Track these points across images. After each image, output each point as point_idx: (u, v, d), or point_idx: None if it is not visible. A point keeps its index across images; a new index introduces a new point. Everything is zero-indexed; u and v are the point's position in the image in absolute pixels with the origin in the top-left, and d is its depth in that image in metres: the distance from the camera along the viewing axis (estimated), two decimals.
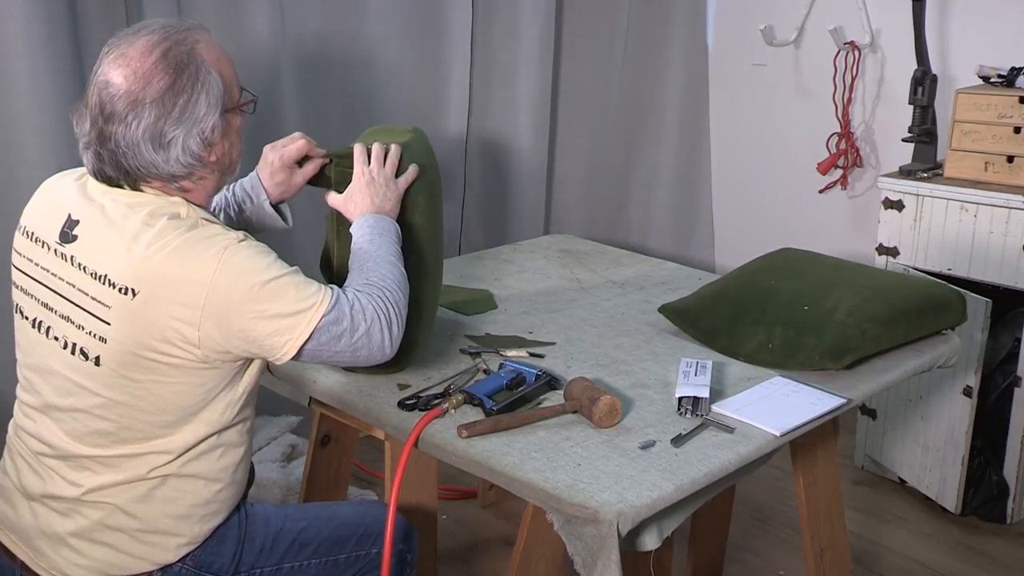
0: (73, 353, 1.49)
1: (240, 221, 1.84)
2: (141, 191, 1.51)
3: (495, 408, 1.68)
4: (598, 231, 3.81)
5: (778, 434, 1.67)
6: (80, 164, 1.58)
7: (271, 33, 2.89)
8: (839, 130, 3.48)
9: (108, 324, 1.44)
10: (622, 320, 2.18)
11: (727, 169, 3.95)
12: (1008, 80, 2.80)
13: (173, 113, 1.46)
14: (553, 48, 3.55)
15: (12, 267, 1.60)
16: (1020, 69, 2.79)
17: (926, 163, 2.95)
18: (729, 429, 1.67)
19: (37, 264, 1.54)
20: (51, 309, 1.52)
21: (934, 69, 2.99)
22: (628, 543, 1.50)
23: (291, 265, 1.51)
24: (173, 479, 1.53)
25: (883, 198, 2.94)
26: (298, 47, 2.99)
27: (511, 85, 3.48)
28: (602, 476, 1.51)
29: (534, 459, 1.56)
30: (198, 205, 1.54)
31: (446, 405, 1.70)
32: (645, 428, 1.67)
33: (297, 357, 1.49)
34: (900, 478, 3.02)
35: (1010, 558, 2.71)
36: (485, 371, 1.88)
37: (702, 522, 2.48)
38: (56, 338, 1.51)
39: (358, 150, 1.77)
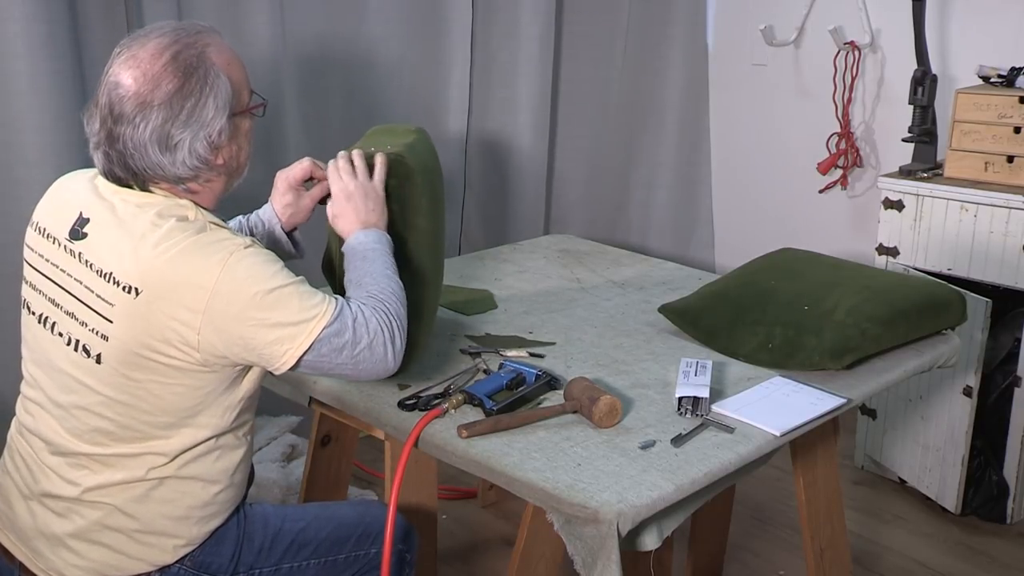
0: (76, 350, 1.49)
1: None
2: (150, 191, 1.51)
3: (495, 408, 1.68)
4: (598, 231, 3.81)
5: (778, 434, 1.67)
6: (88, 164, 1.59)
7: (271, 33, 2.89)
8: (839, 130, 3.48)
9: (111, 322, 1.45)
10: (622, 320, 2.18)
11: (727, 169, 3.95)
12: (1008, 80, 2.80)
13: (181, 116, 1.47)
14: (553, 48, 3.55)
15: (24, 262, 1.61)
16: (1020, 69, 2.79)
17: (926, 163, 2.95)
18: (729, 429, 1.67)
19: (47, 260, 1.55)
20: (57, 305, 1.52)
21: (934, 69, 2.99)
22: (628, 543, 1.50)
23: (297, 275, 1.51)
24: (171, 480, 1.53)
25: (883, 198, 2.94)
26: (298, 47, 2.99)
27: (511, 85, 3.48)
28: (602, 476, 1.51)
29: (534, 459, 1.56)
30: (206, 208, 1.55)
31: (446, 405, 1.70)
32: (645, 428, 1.67)
33: (296, 367, 1.49)
34: (900, 478, 3.02)
35: (1010, 558, 2.71)
36: (485, 371, 1.88)
37: (702, 522, 2.48)
38: (60, 334, 1.51)
39: (330, 168, 1.75)
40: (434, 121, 3.32)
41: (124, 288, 1.43)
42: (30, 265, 1.59)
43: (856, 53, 3.40)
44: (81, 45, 2.53)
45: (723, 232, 4.02)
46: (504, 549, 2.72)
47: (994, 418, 2.81)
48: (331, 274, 1.86)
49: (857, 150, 3.49)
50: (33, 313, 1.58)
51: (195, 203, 1.53)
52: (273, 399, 2.15)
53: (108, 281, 1.45)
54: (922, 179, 2.86)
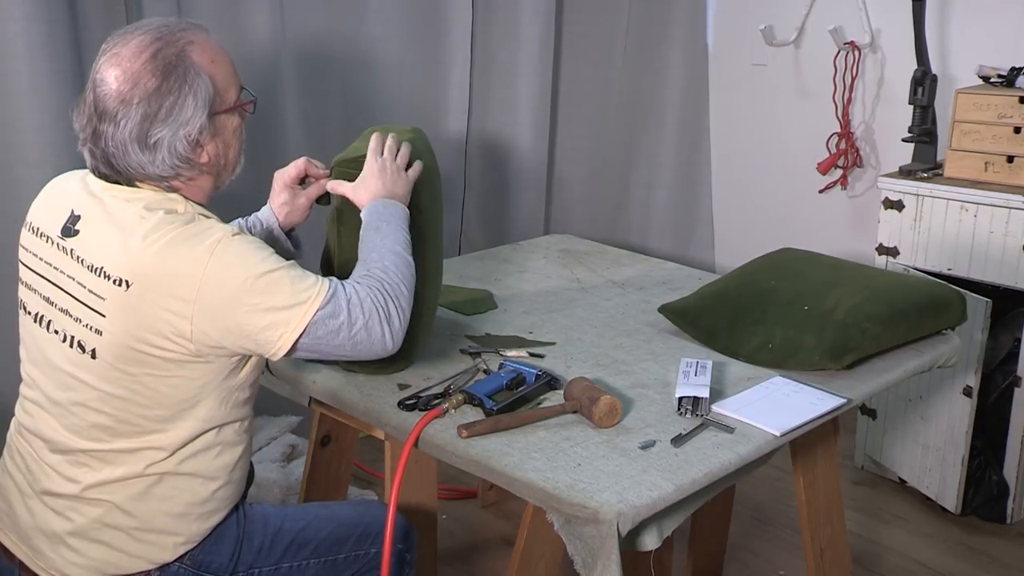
0: (71, 346, 1.49)
1: None
2: (138, 187, 1.52)
3: (495, 408, 1.68)
4: (598, 231, 3.81)
5: (778, 434, 1.67)
6: (82, 164, 1.59)
7: (271, 33, 2.89)
8: (839, 130, 3.48)
9: (104, 316, 1.45)
10: (622, 320, 2.18)
11: (727, 169, 3.95)
12: (1008, 80, 2.80)
13: (159, 115, 1.47)
14: (553, 48, 3.55)
15: (19, 263, 1.62)
16: (1020, 69, 2.79)
17: (926, 163, 2.95)
18: (729, 429, 1.67)
19: (40, 259, 1.56)
20: (52, 303, 1.53)
21: (934, 69, 2.99)
22: (628, 543, 1.50)
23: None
24: (170, 477, 1.53)
25: (883, 198, 2.94)
26: (298, 47, 2.99)
27: (511, 85, 3.48)
28: (602, 476, 1.51)
29: (534, 459, 1.56)
30: (196, 202, 1.55)
31: (446, 405, 1.70)
32: (645, 428, 1.67)
33: (293, 352, 1.49)
34: (900, 478, 3.02)
35: (1010, 558, 2.71)
36: (485, 371, 1.88)
37: (702, 522, 2.48)
38: (56, 332, 1.52)
39: (373, 140, 1.78)
40: (434, 121, 3.32)
41: (115, 282, 1.44)
42: (25, 265, 1.60)
43: (856, 53, 3.40)
44: (81, 45, 2.53)
45: (723, 232, 4.02)
46: (504, 549, 2.72)
47: (994, 418, 2.81)
48: (330, 273, 1.86)
49: (857, 150, 3.49)
50: (29, 313, 1.58)
51: (184, 196, 1.54)
52: (273, 399, 2.15)
53: (99, 276, 1.46)
54: (922, 179, 2.86)
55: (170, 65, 1.48)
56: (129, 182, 1.52)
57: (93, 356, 1.47)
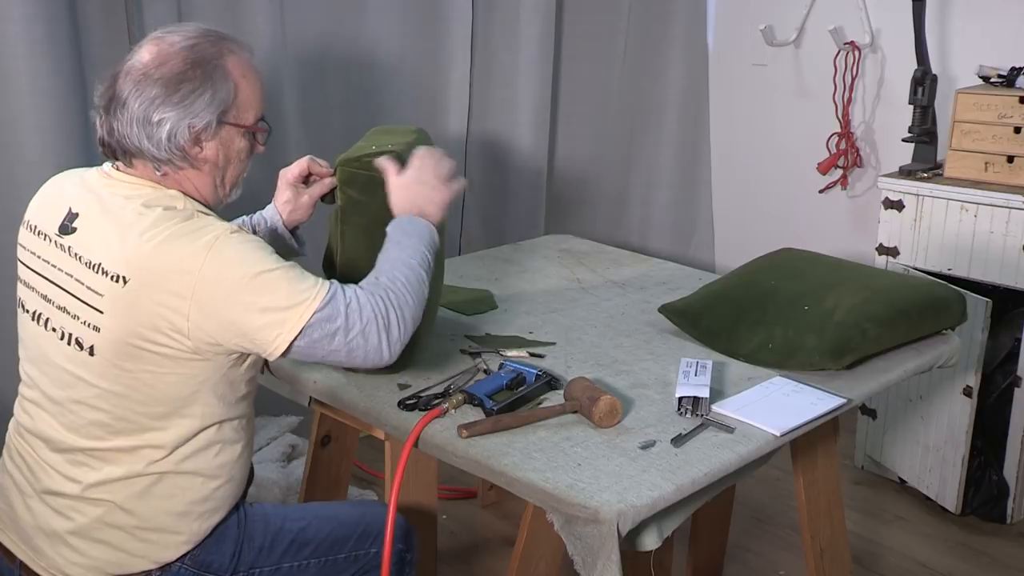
0: (69, 344, 1.50)
1: None
2: (134, 177, 1.53)
3: (495, 408, 1.68)
4: (598, 231, 3.80)
5: (778, 434, 1.67)
6: (86, 164, 1.61)
7: (271, 33, 2.89)
8: (839, 130, 3.48)
9: (101, 313, 1.45)
10: (622, 320, 2.18)
11: (727, 169, 3.95)
12: (1008, 80, 2.80)
13: (173, 97, 1.49)
14: (553, 48, 3.54)
15: (17, 262, 1.62)
16: (1020, 69, 2.79)
17: (926, 163, 2.95)
18: (729, 429, 1.67)
19: (38, 256, 1.56)
20: (49, 301, 1.53)
21: (934, 69, 2.99)
22: (628, 543, 1.50)
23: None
24: (171, 476, 1.53)
25: (883, 198, 2.94)
26: (298, 47, 2.99)
27: (511, 85, 3.48)
28: (602, 476, 1.51)
29: (534, 459, 1.56)
30: (195, 199, 1.55)
31: (446, 405, 1.70)
32: (645, 428, 1.67)
33: (288, 353, 1.48)
34: (900, 478, 3.02)
35: (1010, 558, 2.71)
36: (485, 371, 1.88)
37: (702, 522, 2.48)
38: (54, 329, 1.52)
39: (424, 150, 1.78)
40: (434, 121, 3.31)
41: (113, 278, 1.44)
42: (23, 264, 1.60)
43: (856, 53, 3.40)
44: (81, 45, 2.53)
45: (723, 232, 4.02)
46: (504, 549, 2.72)
47: (994, 418, 2.81)
48: (332, 273, 1.86)
49: (857, 150, 3.49)
50: (27, 311, 1.58)
51: (184, 193, 1.54)
52: (273, 399, 2.15)
53: (97, 272, 1.46)
54: (922, 179, 2.86)
55: (202, 59, 1.51)
56: (125, 157, 1.53)
57: (91, 353, 1.48)
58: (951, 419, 2.79)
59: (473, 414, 1.70)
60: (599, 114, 3.80)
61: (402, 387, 1.81)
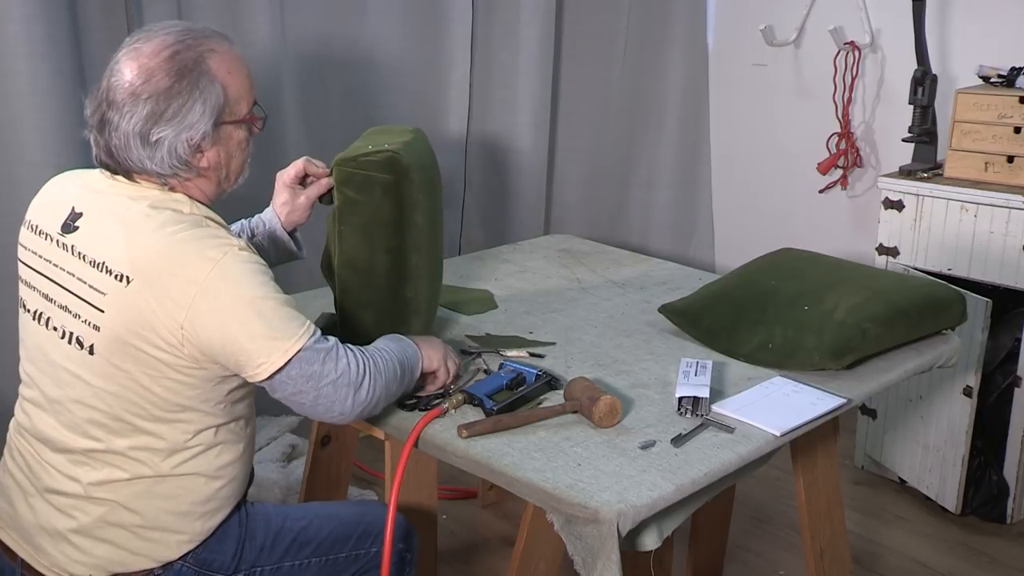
0: (70, 342, 1.50)
1: (253, 246, 1.86)
2: (139, 183, 1.53)
3: (495, 408, 1.68)
4: (598, 231, 3.81)
5: (778, 434, 1.67)
6: (86, 165, 1.61)
7: (271, 33, 2.89)
8: (839, 130, 3.48)
9: (102, 311, 1.46)
10: (622, 320, 2.18)
11: (727, 169, 3.95)
12: (1008, 80, 2.80)
13: (166, 114, 1.48)
14: (553, 48, 3.55)
15: (18, 262, 1.62)
16: (1020, 69, 2.79)
17: (926, 163, 2.95)
18: (729, 429, 1.67)
19: (40, 256, 1.56)
20: (51, 300, 1.53)
21: (934, 69, 2.99)
22: (628, 543, 1.50)
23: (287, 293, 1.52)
24: (173, 477, 1.53)
25: (883, 198, 2.94)
26: (298, 47, 2.99)
27: (511, 85, 3.48)
28: (602, 476, 1.51)
29: (534, 459, 1.56)
30: (200, 203, 1.56)
31: (446, 405, 1.70)
32: (645, 428, 1.67)
33: (269, 381, 1.48)
34: (900, 478, 3.02)
35: (1010, 558, 2.71)
36: (485, 371, 1.88)
37: (702, 522, 2.48)
38: (55, 328, 1.52)
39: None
40: (434, 121, 3.32)
41: (116, 276, 1.44)
42: (24, 264, 1.60)
43: (856, 53, 3.40)
44: (81, 45, 2.53)
45: (723, 232, 4.02)
46: (504, 549, 2.72)
47: (994, 418, 2.81)
48: (330, 274, 1.86)
49: (857, 150, 3.49)
50: (28, 311, 1.59)
51: (189, 197, 1.54)
52: (273, 399, 2.15)
53: (100, 270, 1.46)
54: (922, 179, 2.86)
55: (185, 68, 1.49)
56: (128, 175, 1.53)
57: (91, 352, 1.48)
58: (951, 419, 2.79)
59: (473, 414, 1.70)
60: (599, 114, 3.80)
61: None
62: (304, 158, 1.87)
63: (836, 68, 3.44)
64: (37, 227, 1.59)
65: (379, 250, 1.78)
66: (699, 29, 3.84)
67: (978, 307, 2.65)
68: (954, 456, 2.79)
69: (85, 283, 1.48)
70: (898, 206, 2.90)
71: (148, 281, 1.43)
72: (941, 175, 2.88)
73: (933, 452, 2.86)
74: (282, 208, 1.87)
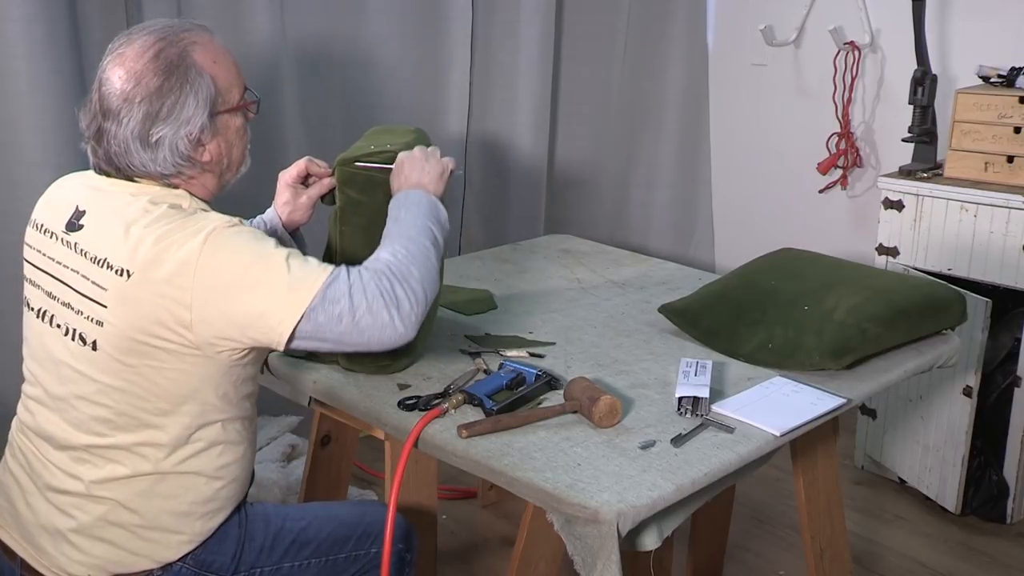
0: (73, 339, 1.50)
1: None
2: (140, 183, 1.54)
3: (495, 408, 1.68)
4: (598, 231, 3.80)
5: (778, 434, 1.67)
6: (82, 164, 1.61)
7: (271, 33, 2.89)
8: (839, 130, 3.48)
9: (105, 307, 1.46)
10: (622, 320, 2.18)
11: (727, 169, 3.95)
12: (1008, 80, 2.80)
13: (161, 113, 1.49)
14: (553, 48, 3.55)
15: (24, 261, 1.62)
16: (1020, 69, 2.79)
17: (926, 163, 2.95)
18: (729, 429, 1.67)
19: (44, 254, 1.57)
20: (54, 298, 1.54)
21: (934, 69, 2.99)
22: (628, 543, 1.50)
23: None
24: (173, 476, 1.53)
25: (883, 198, 2.94)
26: (298, 47, 2.99)
27: (511, 85, 3.48)
28: (602, 476, 1.51)
29: (534, 459, 1.56)
30: (200, 198, 1.57)
31: (446, 405, 1.70)
32: (645, 428, 1.67)
33: (295, 339, 1.46)
34: (900, 478, 3.02)
35: (1010, 558, 2.71)
36: (485, 371, 1.88)
37: (702, 522, 2.48)
38: (59, 325, 1.53)
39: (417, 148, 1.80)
40: (434, 121, 3.31)
41: (117, 271, 1.45)
42: (29, 262, 1.61)
43: (856, 53, 3.40)
44: (81, 45, 2.53)
45: (723, 232, 4.02)
46: (504, 549, 2.72)
47: (994, 418, 2.81)
48: None
49: (857, 150, 3.49)
50: (32, 309, 1.59)
51: (190, 193, 1.55)
52: (273, 399, 2.15)
53: (102, 266, 1.47)
54: (922, 179, 2.86)
55: (172, 65, 1.50)
56: (130, 179, 1.54)
57: (94, 348, 1.48)
58: (951, 419, 2.79)
59: (473, 414, 1.70)
60: (599, 114, 3.80)
61: (402, 387, 1.81)
62: (306, 158, 1.87)
63: (836, 68, 3.44)
64: (42, 226, 1.59)
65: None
66: (699, 29, 3.84)
67: (978, 307, 2.65)
68: (954, 456, 2.79)
69: (88, 280, 1.48)
70: (898, 206, 2.90)
71: (147, 273, 1.43)
72: (941, 175, 2.88)
73: (933, 452, 2.86)
74: (284, 208, 1.87)
